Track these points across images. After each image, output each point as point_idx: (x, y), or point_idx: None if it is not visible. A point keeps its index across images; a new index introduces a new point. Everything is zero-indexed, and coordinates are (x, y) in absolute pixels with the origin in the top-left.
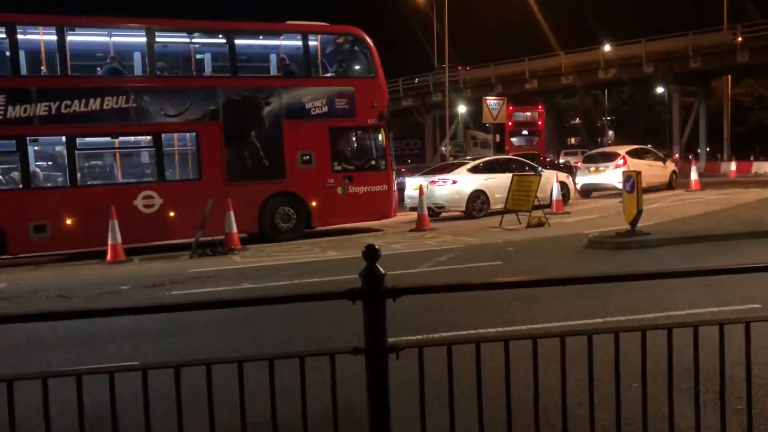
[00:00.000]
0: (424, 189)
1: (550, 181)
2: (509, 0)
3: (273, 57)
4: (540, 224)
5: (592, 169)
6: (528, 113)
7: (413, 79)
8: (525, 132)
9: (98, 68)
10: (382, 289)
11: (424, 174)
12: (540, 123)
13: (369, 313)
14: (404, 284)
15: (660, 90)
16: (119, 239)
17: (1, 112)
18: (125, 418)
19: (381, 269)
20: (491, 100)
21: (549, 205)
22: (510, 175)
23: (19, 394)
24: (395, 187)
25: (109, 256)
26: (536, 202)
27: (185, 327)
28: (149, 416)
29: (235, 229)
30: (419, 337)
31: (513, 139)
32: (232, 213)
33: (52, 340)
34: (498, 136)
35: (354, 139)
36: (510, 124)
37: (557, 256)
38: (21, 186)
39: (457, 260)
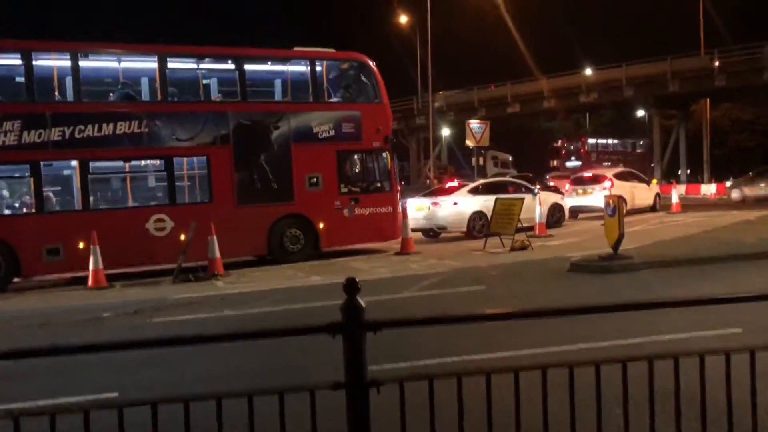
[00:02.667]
0: (424, 210)
1: (535, 203)
2: (492, 26)
3: (279, 82)
4: (523, 247)
5: (580, 191)
6: (574, 144)
7: (397, 102)
8: (573, 158)
9: (110, 93)
10: (362, 323)
11: (425, 195)
12: (582, 150)
13: (349, 348)
14: (384, 318)
15: (641, 113)
16: (101, 265)
17: (16, 137)
18: None
19: (361, 302)
20: (474, 124)
21: (532, 228)
22: (510, 196)
23: None
24: (400, 209)
25: (90, 282)
26: (520, 225)
27: (165, 356)
28: None
29: (218, 255)
30: (402, 364)
31: (567, 164)
32: (215, 238)
33: (29, 369)
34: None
35: (360, 161)
36: (564, 152)
37: (540, 279)
38: (34, 210)
39: (440, 285)
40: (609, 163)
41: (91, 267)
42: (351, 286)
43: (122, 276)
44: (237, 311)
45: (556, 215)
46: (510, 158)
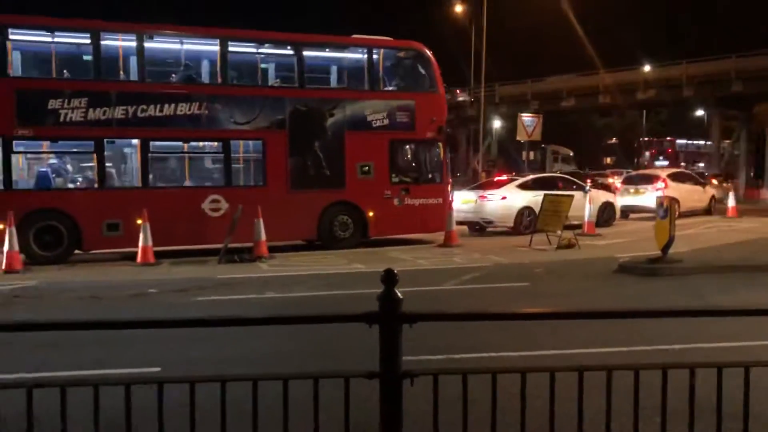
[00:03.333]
0: (470, 203)
1: (585, 201)
2: (548, 18)
3: (336, 69)
4: (570, 246)
5: (632, 190)
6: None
7: (447, 93)
8: (661, 157)
9: (172, 75)
10: (398, 315)
11: (473, 188)
12: (669, 150)
13: (384, 338)
14: (421, 310)
15: (699, 113)
16: (150, 242)
17: (82, 114)
18: (141, 427)
19: (398, 294)
20: (526, 117)
21: (581, 226)
22: (559, 193)
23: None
24: (451, 201)
25: (139, 258)
26: (568, 223)
27: (207, 334)
28: (163, 427)
29: (263, 237)
30: (438, 357)
31: (656, 162)
32: (261, 221)
33: (78, 340)
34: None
35: (412, 151)
36: (654, 151)
37: (585, 279)
38: (97, 185)
39: (482, 279)
40: (702, 165)
41: (140, 243)
42: (389, 277)
43: (170, 254)
44: (279, 294)
45: (606, 214)
46: (571, 154)
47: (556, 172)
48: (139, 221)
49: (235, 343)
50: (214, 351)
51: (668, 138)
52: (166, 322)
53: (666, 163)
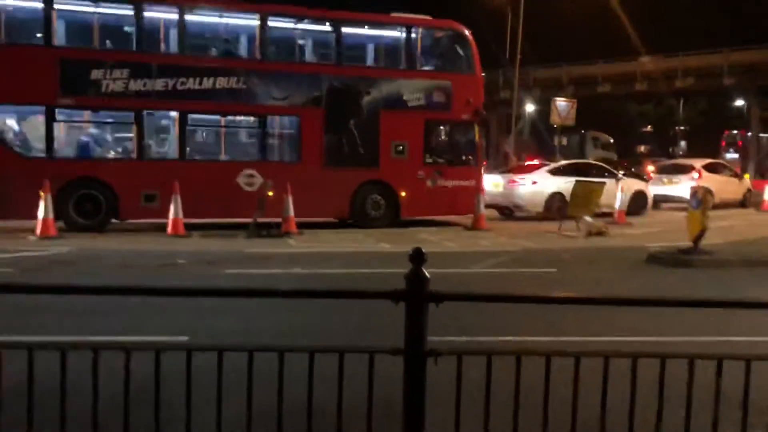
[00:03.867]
0: (500, 187)
1: (616, 189)
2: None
3: (373, 48)
4: (600, 233)
5: (666, 180)
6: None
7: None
8: (731, 150)
9: (212, 49)
10: (425, 294)
11: (503, 172)
12: (740, 143)
13: (410, 317)
14: (448, 291)
15: (739, 102)
16: (180, 214)
17: (123, 85)
18: (168, 393)
19: (426, 273)
20: (561, 102)
21: (612, 214)
22: (591, 179)
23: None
24: (483, 184)
25: (169, 229)
26: (599, 210)
27: (235, 306)
28: (191, 394)
29: (291, 213)
30: (462, 338)
31: (726, 155)
32: (290, 197)
33: (112, 306)
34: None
35: (447, 132)
36: (722, 143)
37: (614, 268)
38: (135, 156)
39: (510, 263)
40: None
41: (171, 215)
42: (417, 256)
43: (200, 226)
44: (306, 270)
45: (638, 203)
46: (612, 140)
47: (592, 159)
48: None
49: (261, 316)
50: (241, 323)
51: (737, 131)
52: (193, 291)
53: (736, 156)
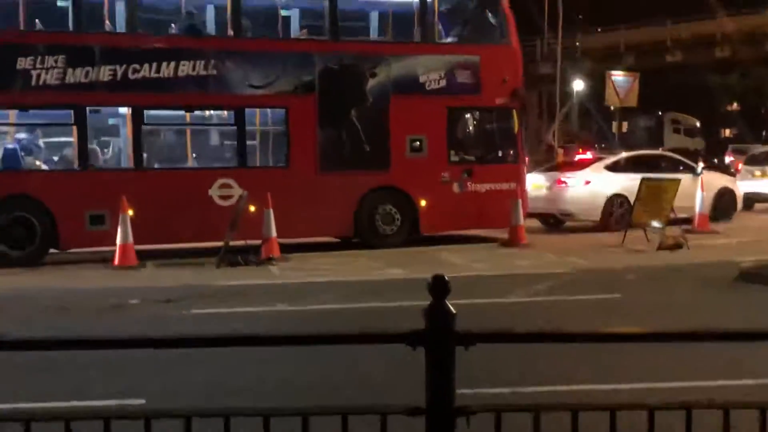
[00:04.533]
0: (543, 190)
1: (696, 187)
2: None
3: (378, 16)
4: (676, 246)
5: (758, 172)
6: None
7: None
8: None
9: (172, 25)
10: (450, 334)
11: (546, 170)
12: None
13: (433, 365)
14: (480, 329)
15: None
16: (130, 239)
17: (59, 76)
18: None
19: (451, 307)
20: (618, 76)
21: (691, 220)
22: (661, 176)
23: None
24: (526, 186)
25: (117, 259)
26: (674, 215)
27: (202, 355)
28: None
29: (274, 233)
30: (500, 389)
31: None
32: (271, 212)
33: (44, 362)
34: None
35: (478, 122)
36: None
37: (695, 290)
38: (78, 166)
39: (558, 290)
40: None
41: (118, 241)
42: (439, 285)
43: (156, 254)
44: (293, 306)
45: (724, 204)
46: (698, 124)
47: (691, 148)
48: (131, 212)
49: (239, 369)
50: (213, 378)
51: None
52: (149, 341)
53: None
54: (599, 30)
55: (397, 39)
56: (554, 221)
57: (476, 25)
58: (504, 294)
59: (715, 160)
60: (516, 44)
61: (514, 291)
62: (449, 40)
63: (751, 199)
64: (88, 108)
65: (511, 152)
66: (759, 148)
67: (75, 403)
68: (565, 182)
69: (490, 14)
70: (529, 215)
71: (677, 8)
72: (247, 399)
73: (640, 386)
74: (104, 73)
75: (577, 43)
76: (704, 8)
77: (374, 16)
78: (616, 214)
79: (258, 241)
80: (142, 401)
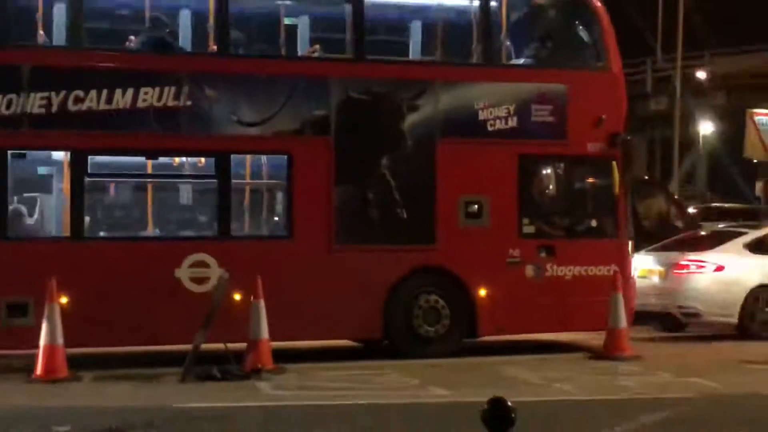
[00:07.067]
0: (655, 277)
1: None
2: None
3: (420, 29)
4: None
5: None
6: None
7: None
8: None
9: (130, 37)
10: None
11: (658, 249)
12: None
13: None
14: None
15: None
16: (60, 339)
17: None
18: None
19: None
20: (763, 117)
21: None
22: None
23: None
24: (633, 272)
25: (40, 369)
26: None
27: None
28: None
29: (266, 335)
30: None
31: None
32: (261, 303)
33: None
34: None
35: (561, 178)
36: None
37: None
38: None
39: (678, 425)
40: None
41: (42, 341)
42: (499, 414)
43: (95, 360)
44: None
45: None
46: None
47: None
48: (65, 299)
49: None
50: None
51: None
52: None
53: None
54: (737, 51)
55: (447, 59)
56: (672, 324)
57: (561, 43)
58: (599, 428)
59: None
60: (618, 70)
61: (612, 424)
62: (522, 62)
63: None
64: (9, 152)
65: (611, 222)
66: None
67: None
68: (687, 267)
69: (581, 29)
70: (638, 315)
71: None
72: None
73: None
74: (34, 103)
75: (704, 71)
76: None
77: (416, 28)
78: (763, 314)
79: (242, 345)
80: None
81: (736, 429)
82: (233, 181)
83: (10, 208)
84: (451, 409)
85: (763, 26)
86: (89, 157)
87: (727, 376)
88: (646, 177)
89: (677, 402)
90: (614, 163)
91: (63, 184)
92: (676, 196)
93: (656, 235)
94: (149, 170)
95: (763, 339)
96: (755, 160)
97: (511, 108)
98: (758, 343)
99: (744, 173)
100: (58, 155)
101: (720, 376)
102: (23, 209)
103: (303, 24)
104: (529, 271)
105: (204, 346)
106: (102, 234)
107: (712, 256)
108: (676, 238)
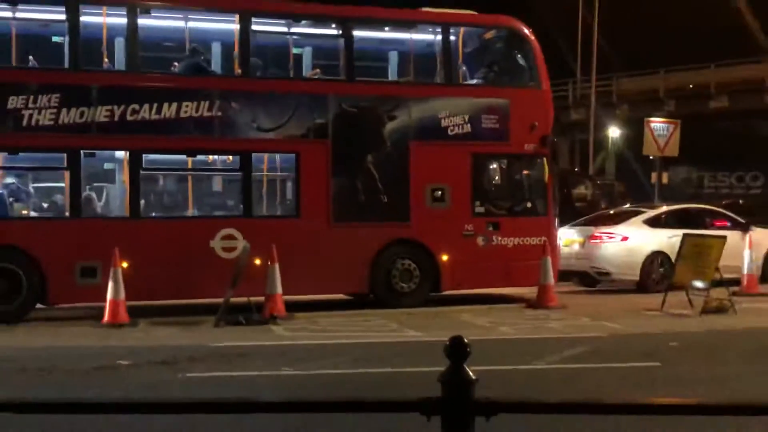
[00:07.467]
0: (576, 246)
1: (744, 245)
2: None
3: (397, 56)
4: (722, 310)
5: None
6: None
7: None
8: None
9: (174, 64)
10: (469, 403)
11: (579, 224)
12: None
13: None
14: (503, 397)
15: None
16: (122, 294)
17: (52, 117)
18: None
19: (470, 373)
20: (657, 123)
21: (738, 282)
22: (706, 233)
23: None
24: (558, 242)
25: (106, 317)
26: (719, 276)
27: (201, 426)
28: None
29: (279, 290)
30: None
31: None
32: (276, 266)
33: (23, 427)
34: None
35: (504, 171)
36: None
37: (744, 359)
38: (69, 214)
39: (592, 356)
40: None
41: (108, 296)
42: (457, 349)
43: (150, 311)
44: (299, 370)
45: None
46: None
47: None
48: (126, 264)
49: None
50: None
51: None
52: (140, 406)
53: None
54: (637, 73)
55: (417, 80)
56: (589, 281)
57: (504, 67)
58: (531, 360)
59: None
60: (547, 88)
61: (542, 357)
62: (474, 82)
63: None
64: (82, 151)
65: (542, 204)
66: None
67: None
68: (600, 237)
69: (519, 56)
70: (562, 274)
71: (722, 51)
72: None
73: None
74: (101, 113)
75: (613, 88)
76: (751, 51)
77: (393, 56)
78: (657, 273)
79: (261, 299)
80: None
81: (634, 358)
82: (254, 173)
83: (83, 194)
84: (422, 346)
85: (655, 54)
86: (143, 155)
87: (628, 320)
88: (576, 169)
89: (592, 339)
90: (544, 159)
91: (123, 176)
92: (598, 182)
93: (584, 213)
94: (189, 165)
95: (656, 292)
96: (651, 157)
97: (466, 117)
98: (653, 295)
99: (643, 168)
100: (120, 154)
101: (624, 320)
102: (93, 195)
103: (307, 53)
104: (480, 241)
105: (232, 300)
106: (153, 214)
107: (619, 229)
108: (592, 215)
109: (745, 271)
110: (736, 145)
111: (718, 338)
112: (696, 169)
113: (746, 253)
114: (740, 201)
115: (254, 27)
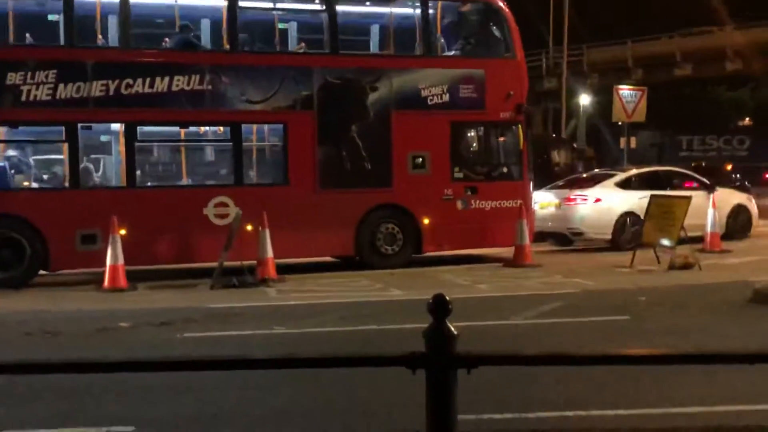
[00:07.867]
0: (551, 208)
1: (708, 204)
2: None
3: (378, 29)
4: (687, 266)
5: None
6: None
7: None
8: None
9: (165, 39)
10: (451, 357)
11: (554, 188)
12: None
13: (433, 389)
14: (482, 351)
15: None
16: (121, 260)
17: (49, 92)
18: None
19: (452, 329)
20: (625, 91)
21: (703, 239)
22: (671, 193)
23: None
24: (533, 204)
25: (107, 282)
26: (684, 234)
27: (197, 383)
28: None
29: (270, 254)
30: (505, 415)
31: None
32: (267, 231)
33: (27, 388)
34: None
35: (482, 137)
36: None
37: (708, 311)
38: (68, 185)
39: (566, 311)
40: None
41: (108, 262)
42: (439, 307)
43: (147, 275)
44: (290, 329)
45: (738, 223)
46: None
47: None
48: (123, 231)
49: (232, 395)
50: (204, 405)
51: None
52: (140, 364)
53: None
54: (606, 44)
55: (398, 52)
56: (564, 241)
57: (480, 39)
58: (508, 316)
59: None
60: (521, 58)
61: (518, 313)
62: (452, 53)
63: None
64: (79, 124)
65: (517, 169)
66: None
67: (63, 429)
68: (574, 199)
69: (494, 27)
70: (538, 235)
71: (686, 21)
72: (237, 426)
73: (649, 412)
74: (96, 88)
75: (584, 58)
76: (714, 21)
77: (375, 30)
78: (628, 233)
79: (254, 262)
80: (132, 428)
81: (606, 312)
82: (244, 144)
83: (81, 165)
84: (406, 304)
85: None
86: (138, 127)
87: (600, 277)
88: (555, 135)
89: (566, 296)
90: (519, 126)
91: (119, 147)
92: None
93: (563, 175)
94: (182, 136)
95: (627, 250)
96: (620, 123)
97: (445, 87)
98: (623, 254)
99: (612, 133)
100: (115, 126)
101: (596, 277)
102: (91, 166)
103: (292, 28)
104: (459, 204)
105: (226, 263)
106: (149, 183)
107: (592, 192)
108: (566, 179)
109: (709, 230)
110: (698, 111)
111: (684, 292)
112: (659, 134)
113: (710, 212)
114: (702, 163)
115: (241, 3)
